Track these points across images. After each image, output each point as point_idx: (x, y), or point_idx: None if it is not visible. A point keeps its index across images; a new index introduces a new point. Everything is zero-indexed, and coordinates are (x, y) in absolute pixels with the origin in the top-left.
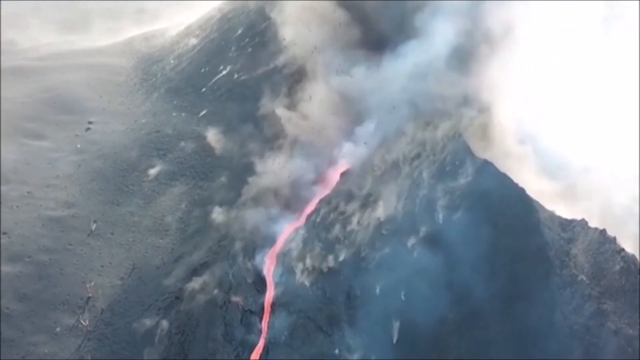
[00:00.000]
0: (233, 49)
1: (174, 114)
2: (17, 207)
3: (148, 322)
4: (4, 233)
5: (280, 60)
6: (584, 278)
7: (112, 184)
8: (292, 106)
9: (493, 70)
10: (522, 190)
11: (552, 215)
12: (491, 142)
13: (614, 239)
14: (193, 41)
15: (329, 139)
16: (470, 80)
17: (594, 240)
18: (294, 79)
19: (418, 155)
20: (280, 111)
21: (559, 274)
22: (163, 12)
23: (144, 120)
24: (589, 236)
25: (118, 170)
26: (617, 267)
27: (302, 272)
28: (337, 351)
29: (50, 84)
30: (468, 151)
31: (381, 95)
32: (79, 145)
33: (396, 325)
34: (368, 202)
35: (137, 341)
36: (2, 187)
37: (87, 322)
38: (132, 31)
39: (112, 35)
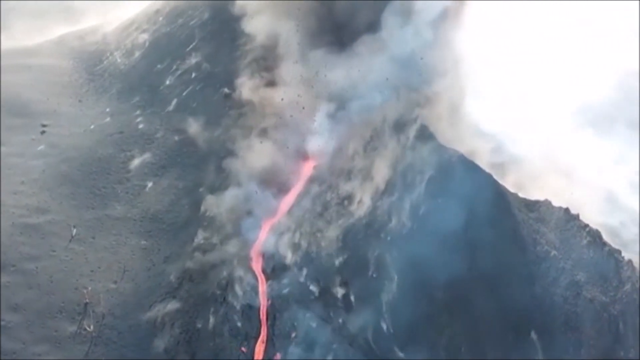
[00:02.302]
0: (197, 39)
1: (136, 113)
2: None
3: (151, 324)
4: None
5: (248, 48)
6: (556, 253)
7: (83, 188)
8: (267, 91)
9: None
10: (490, 176)
11: (517, 197)
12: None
13: (577, 215)
14: (143, 36)
15: (308, 119)
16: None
17: (559, 218)
18: (266, 64)
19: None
20: (256, 96)
21: (533, 251)
22: (90, 9)
23: (104, 121)
24: (555, 215)
25: (87, 174)
26: (584, 242)
27: (294, 260)
28: (338, 337)
29: None
30: (436, 141)
31: (362, 75)
32: (41, 147)
33: (389, 307)
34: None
35: (145, 343)
36: None
37: (91, 327)
38: (59, 29)
39: (38, 34)
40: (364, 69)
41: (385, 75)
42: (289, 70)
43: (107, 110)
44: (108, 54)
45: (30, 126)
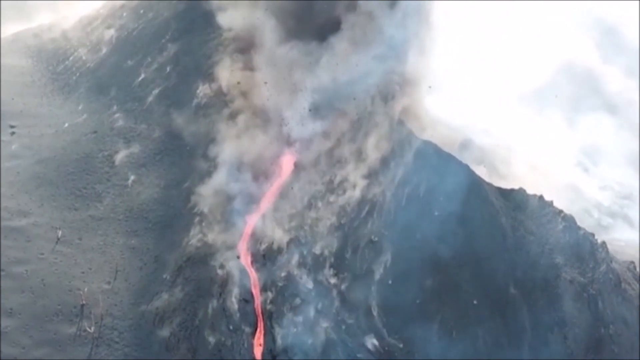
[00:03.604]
0: (171, 31)
1: (111, 110)
2: None
3: (150, 322)
4: None
5: (226, 38)
6: (534, 238)
7: (62, 189)
8: (249, 79)
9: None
10: (467, 167)
11: (492, 186)
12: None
13: (552, 202)
14: (109, 32)
15: (292, 106)
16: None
17: (534, 206)
18: (246, 53)
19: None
20: (237, 85)
21: (512, 236)
22: (42, 6)
23: (77, 120)
24: (530, 202)
25: (64, 175)
26: (560, 227)
27: (286, 251)
28: (334, 328)
29: None
30: (411, 134)
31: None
32: (13, 149)
33: (381, 295)
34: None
35: (146, 342)
36: None
37: (92, 329)
38: (11, 27)
39: None
40: (349, 54)
41: (371, 60)
42: (269, 59)
43: (80, 108)
44: (72, 51)
45: None
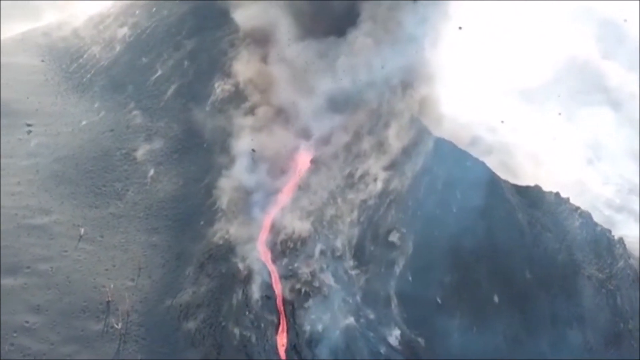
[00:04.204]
0: (187, 27)
1: (128, 108)
2: None
3: (175, 319)
4: None
5: (243, 33)
6: (551, 235)
7: (82, 187)
8: (267, 73)
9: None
10: (483, 163)
11: (508, 183)
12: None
13: (568, 199)
14: (122, 30)
15: (310, 100)
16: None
17: (551, 202)
18: (260, 47)
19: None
20: (255, 80)
21: (529, 233)
22: (48, 4)
23: (94, 119)
24: (546, 199)
25: (83, 173)
26: (577, 223)
27: (307, 247)
28: (357, 323)
29: None
30: (426, 130)
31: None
32: (31, 147)
33: (401, 292)
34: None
35: (172, 338)
36: None
37: (119, 325)
38: (18, 27)
39: None
40: (369, 47)
41: (390, 52)
42: (285, 55)
43: (96, 106)
44: (85, 49)
45: (14, 126)
